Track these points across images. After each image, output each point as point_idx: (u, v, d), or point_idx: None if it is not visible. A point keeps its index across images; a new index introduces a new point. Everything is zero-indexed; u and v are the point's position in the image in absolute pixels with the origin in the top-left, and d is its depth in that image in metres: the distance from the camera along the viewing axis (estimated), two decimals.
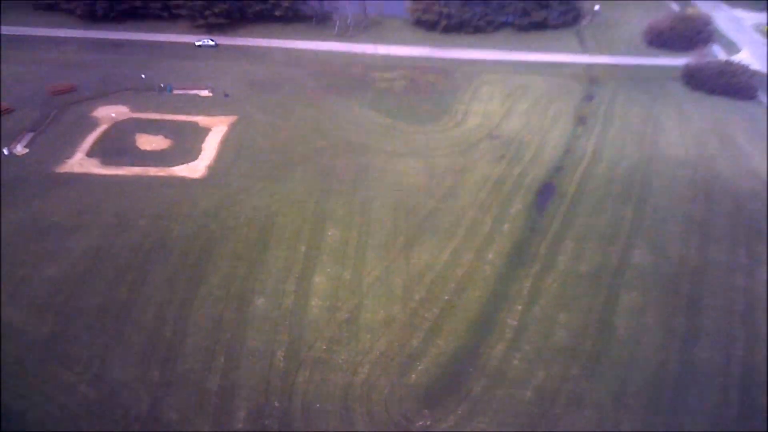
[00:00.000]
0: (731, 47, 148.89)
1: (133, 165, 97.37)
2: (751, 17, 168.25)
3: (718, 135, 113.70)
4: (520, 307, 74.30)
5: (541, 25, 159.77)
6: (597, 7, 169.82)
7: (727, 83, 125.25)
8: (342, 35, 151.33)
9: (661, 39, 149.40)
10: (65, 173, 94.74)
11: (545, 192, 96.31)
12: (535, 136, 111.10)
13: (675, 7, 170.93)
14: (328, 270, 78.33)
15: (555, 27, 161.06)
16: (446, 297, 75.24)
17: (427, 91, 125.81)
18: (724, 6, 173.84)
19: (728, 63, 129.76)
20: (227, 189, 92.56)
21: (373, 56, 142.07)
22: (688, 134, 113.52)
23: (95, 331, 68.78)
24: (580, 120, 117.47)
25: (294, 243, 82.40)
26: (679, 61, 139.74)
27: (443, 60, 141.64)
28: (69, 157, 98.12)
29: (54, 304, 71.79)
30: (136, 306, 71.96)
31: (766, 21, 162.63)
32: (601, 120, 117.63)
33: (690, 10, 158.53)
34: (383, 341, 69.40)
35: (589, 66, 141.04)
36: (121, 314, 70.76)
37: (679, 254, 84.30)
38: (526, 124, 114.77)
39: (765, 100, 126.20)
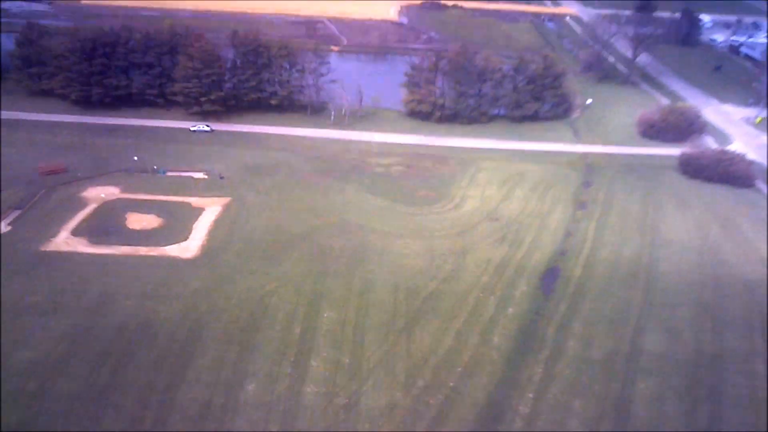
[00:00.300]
0: (724, 139, 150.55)
1: (121, 244, 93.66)
2: (738, 111, 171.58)
3: (720, 221, 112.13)
4: (531, 395, 69.19)
5: (533, 118, 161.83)
6: (589, 101, 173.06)
7: (725, 171, 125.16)
8: (338, 124, 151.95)
9: (654, 130, 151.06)
10: (50, 252, 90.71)
11: (550, 275, 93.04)
12: (534, 220, 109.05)
13: (664, 101, 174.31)
14: (325, 353, 73.38)
15: (547, 119, 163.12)
16: (451, 383, 70.15)
17: (424, 176, 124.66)
18: (713, 101, 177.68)
19: (725, 152, 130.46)
20: (219, 269, 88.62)
21: (369, 143, 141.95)
22: (689, 220, 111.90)
23: (70, 417, 62.83)
24: (580, 205, 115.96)
25: (288, 325, 77.77)
26: (673, 151, 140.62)
27: (439, 147, 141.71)
28: (54, 236, 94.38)
29: (26, 389, 66.02)
30: (117, 391, 66.23)
31: (755, 115, 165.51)
32: (600, 206, 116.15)
33: (680, 104, 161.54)
34: (385, 430, 63.74)
35: (585, 155, 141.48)
36: (100, 399, 64.96)
37: (693, 340, 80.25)
38: (525, 209, 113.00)
39: (763, 188, 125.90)
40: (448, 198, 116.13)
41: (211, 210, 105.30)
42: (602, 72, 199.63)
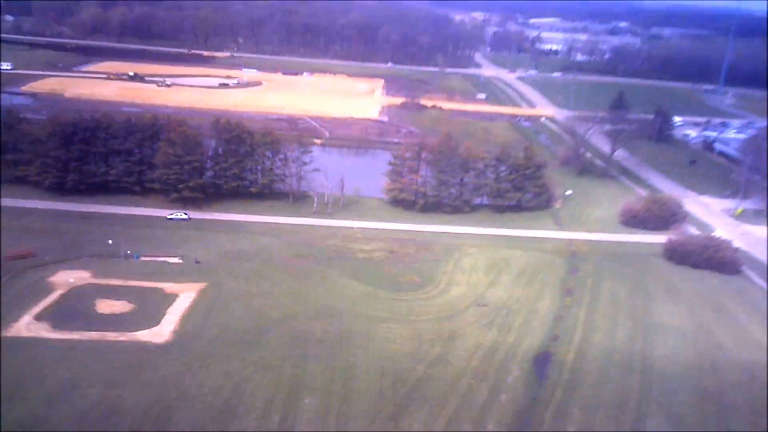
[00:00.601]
0: (705, 228, 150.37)
1: (88, 329, 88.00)
2: (717, 203, 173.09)
3: (711, 306, 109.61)
4: None
5: (515, 207, 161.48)
6: (569, 192, 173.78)
7: (711, 257, 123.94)
8: (320, 213, 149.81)
9: (636, 219, 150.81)
10: (10, 337, 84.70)
11: (542, 360, 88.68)
12: (523, 305, 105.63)
13: (642, 193, 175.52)
14: None
15: (529, 209, 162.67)
16: None
17: (408, 262, 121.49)
18: (691, 193, 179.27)
19: (711, 238, 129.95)
20: (192, 354, 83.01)
21: (351, 230, 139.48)
22: (680, 305, 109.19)
23: None
24: (568, 291, 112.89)
25: (266, 412, 72.00)
26: (656, 238, 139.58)
27: (423, 233, 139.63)
28: (16, 321, 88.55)
29: None
30: None
31: (734, 207, 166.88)
32: (589, 291, 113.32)
33: (661, 194, 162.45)
34: None
35: (570, 242, 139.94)
36: None
37: (699, 425, 75.60)
38: (512, 294, 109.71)
39: (750, 275, 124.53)
40: (433, 284, 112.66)
41: (185, 296, 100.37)
42: (580, 166, 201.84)
